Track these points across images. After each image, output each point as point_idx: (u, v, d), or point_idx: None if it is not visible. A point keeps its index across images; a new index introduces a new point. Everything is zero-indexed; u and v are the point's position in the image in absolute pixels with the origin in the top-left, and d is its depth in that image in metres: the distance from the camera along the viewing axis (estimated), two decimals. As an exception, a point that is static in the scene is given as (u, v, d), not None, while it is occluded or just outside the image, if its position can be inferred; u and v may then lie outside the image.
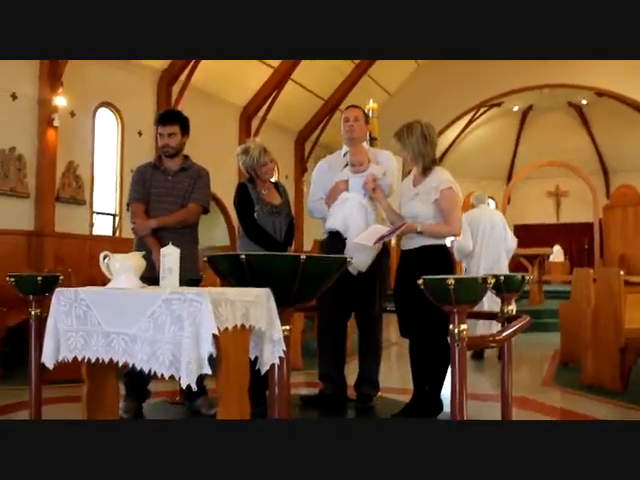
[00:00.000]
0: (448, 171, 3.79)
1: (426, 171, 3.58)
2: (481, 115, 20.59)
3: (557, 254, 19.38)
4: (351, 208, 3.97)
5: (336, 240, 4.09)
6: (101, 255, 2.70)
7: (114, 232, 10.77)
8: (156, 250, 3.71)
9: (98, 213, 10.45)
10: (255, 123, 14.30)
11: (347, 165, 4.24)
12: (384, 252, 4.24)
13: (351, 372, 4.41)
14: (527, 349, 7.81)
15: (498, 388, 3.56)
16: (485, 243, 6.95)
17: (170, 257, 2.63)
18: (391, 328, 8.10)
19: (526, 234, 21.91)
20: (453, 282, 2.32)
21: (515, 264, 15.01)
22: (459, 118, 17.84)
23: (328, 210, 4.18)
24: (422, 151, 3.54)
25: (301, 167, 16.29)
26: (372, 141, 4.97)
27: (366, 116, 4.41)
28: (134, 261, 2.63)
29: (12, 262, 8.53)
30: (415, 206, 3.57)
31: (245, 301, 2.37)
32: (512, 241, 7.12)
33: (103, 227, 10.68)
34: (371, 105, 4.55)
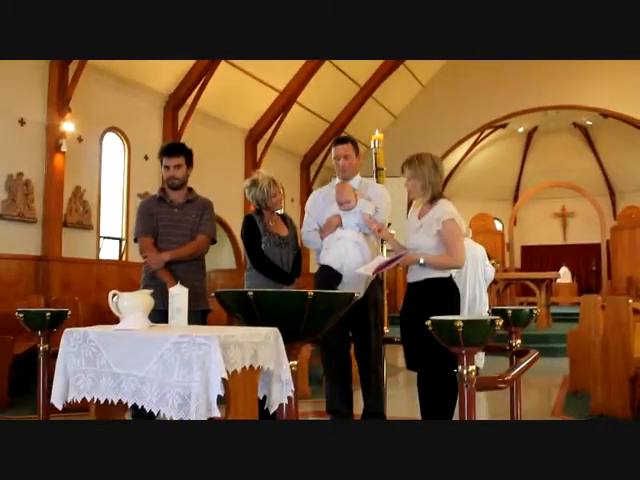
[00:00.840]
0: (451, 202, 3.73)
1: (433, 201, 3.57)
2: (486, 136, 20.37)
3: (564, 275, 19.43)
4: (346, 247, 3.96)
5: (330, 272, 4.05)
6: (110, 294, 2.67)
7: (120, 256, 10.76)
8: (170, 282, 3.72)
9: (105, 237, 10.48)
10: (261, 146, 14.26)
11: None
12: (377, 281, 4.22)
13: (359, 399, 4.36)
14: (535, 375, 7.40)
15: (506, 416, 3.47)
16: (466, 277, 6.85)
17: (179, 297, 2.64)
18: (398, 354, 8.04)
19: (533, 255, 21.81)
20: (462, 324, 2.28)
21: (522, 287, 15.36)
22: (465, 140, 17.77)
23: (322, 243, 4.15)
24: (432, 181, 3.54)
25: (307, 190, 16.24)
26: (378, 171, 4.63)
27: (356, 148, 4.34)
28: (142, 300, 2.59)
29: (20, 287, 8.58)
30: (418, 238, 3.56)
31: (254, 342, 2.35)
32: (491, 272, 7.13)
33: (110, 251, 10.71)
34: (377, 135, 4.46)
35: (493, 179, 21.64)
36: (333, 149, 4.37)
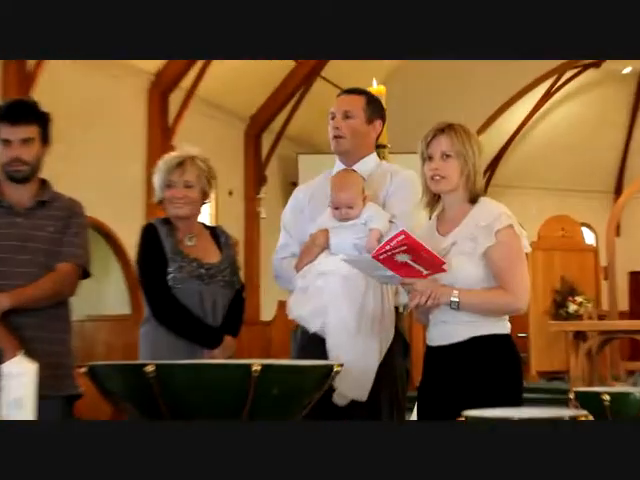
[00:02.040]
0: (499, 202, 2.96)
1: (473, 201, 3.00)
2: (565, 83, 14.90)
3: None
4: (331, 289, 3.01)
5: (309, 337, 3.09)
6: None
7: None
8: (10, 350, 2.88)
9: None
10: (176, 100, 10.20)
11: None
12: (397, 349, 3.14)
13: None
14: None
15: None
16: None
17: (19, 380, 1.94)
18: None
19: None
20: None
21: (631, 345, 11.57)
22: (527, 90, 13.74)
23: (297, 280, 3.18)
24: (478, 168, 3.00)
25: (255, 176, 12.06)
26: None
27: (371, 107, 3.30)
28: None
29: None
30: (451, 264, 2.83)
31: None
32: None
33: None
34: (375, 88, 3.61)
35: (576, 158, 15.55)
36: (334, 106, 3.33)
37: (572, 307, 10.82)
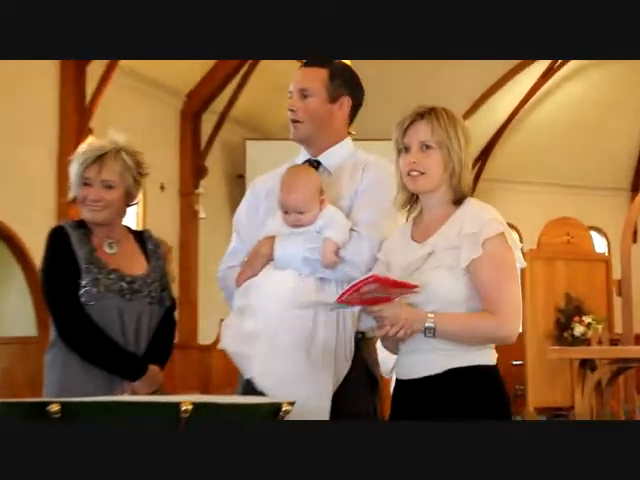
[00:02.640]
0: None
1: (459, 203, 3.01)
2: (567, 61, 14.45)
3: None
4: (271, 318, 2.97)
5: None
6: None
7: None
8: None
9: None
10: (95, 71, 9.95)
11: None
12: (361, 384, 3.12)
13: None
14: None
15: None
16: None
17: None
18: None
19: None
20: None
21: None
22: (520, 69, 14.03)
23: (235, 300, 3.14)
24: (465, 162, 3.00)
25: (193, 167, 11.94)
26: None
27: (338, 82, 3.26)
28: None
29: None
30: (428, 279, 2.85)
31: None
32: None
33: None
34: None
35: (583, 148, 15.70)
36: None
37: (578, 329, 10.66)
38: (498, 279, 2.84)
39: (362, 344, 3.09)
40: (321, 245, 2.99)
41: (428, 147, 2.88)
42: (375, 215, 3.08)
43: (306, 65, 3.27)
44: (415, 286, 2.72)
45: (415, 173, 2.87)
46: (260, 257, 3.08)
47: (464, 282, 2.83)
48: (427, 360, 2.87)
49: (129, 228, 3.57)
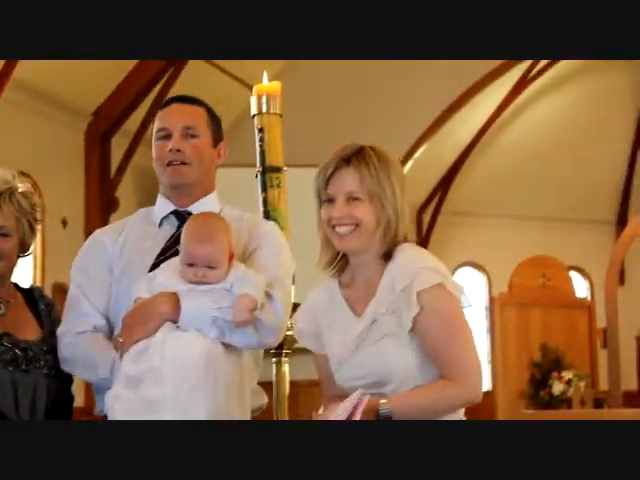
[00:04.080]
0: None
1: (389, 256, 3.18)
2: (546, 68, 14.74)
3: None
4: (183, 390, 3.12)
5: None
6: None
7: None
8: None
9: None
10: None
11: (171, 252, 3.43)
12: None
13: None
14: None
15: None
16: None
17: None
18: None
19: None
20: None
21: None
22: (488, 82, 13.74)
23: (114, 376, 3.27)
24: (401, 212, 3.17)
25: (102, 198, 12.07)
26: (266, 174, 4.06)
27: (216, 124, 3.58)
28: None
29: None
30: (375, 356, 3.06)
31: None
32: None
33: None
34: (265, 85, 3.82)
35: (562, 175, 15.75)
36: (159, 116, 3.48)
37: (557, 387, 10.73)
38: (448, 337, 3.05)
39: None
40: (232, 305, 3.19)
41: (356, 199, 3.04)
42: (282, 275, 3.35)
43: (183, 101, 3.55)
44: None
45: (343, 230, 3.05)
46: (156, 316, 3.23)
47: (413, 348, 3.05)
48: None
49: (16, 285, 3.64)
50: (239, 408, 3.26)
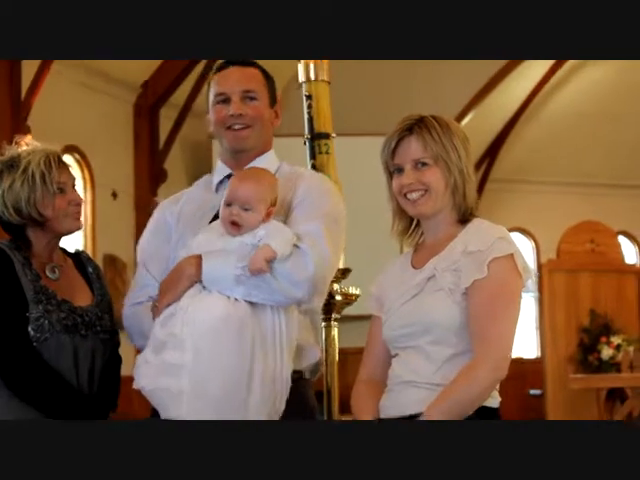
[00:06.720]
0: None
1: (465, 222, 3.20)
2: None
3: None
4: (201, 353, 3.10)
5: None
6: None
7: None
8: None
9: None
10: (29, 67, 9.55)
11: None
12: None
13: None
14: None
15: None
16: None
17: None
18: None
19: None
20: None
21: None
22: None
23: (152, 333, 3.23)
24: (468, 174, 3.18)
25: (151, 170, 11.91)
26: (315, 140, 4.08)
27: (272, 85, 3.53)
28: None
29: None
30: (425, 306, 3.04)
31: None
32: None
33: None
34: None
35: (610, 141, 15.64)
36: (215, 80, 3.46)
37: (606, 352, 10.63)
38: (493, 311, 3.03)
39: (300, 384, 3.32)
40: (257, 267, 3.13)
41: (424, 164, 3.08)
42: (319, 228, 3.25)
43: (240, 64, 3.53)
44: None
45: (414, 195, 3.08)
46: (183, 279, 3.19)
47: (462, 307, 3.03)
48: (414, 396, 3.10)
49: (64, 249, 3.63)
50: (276, 367, 3.24)
